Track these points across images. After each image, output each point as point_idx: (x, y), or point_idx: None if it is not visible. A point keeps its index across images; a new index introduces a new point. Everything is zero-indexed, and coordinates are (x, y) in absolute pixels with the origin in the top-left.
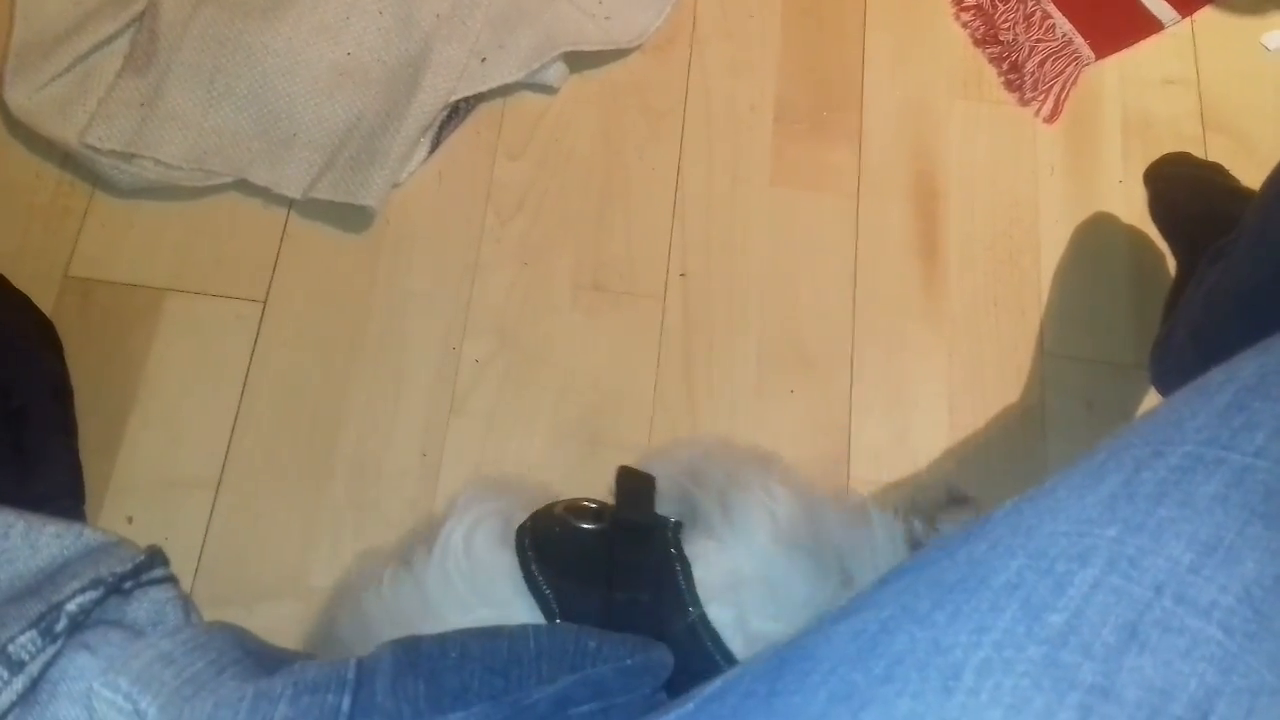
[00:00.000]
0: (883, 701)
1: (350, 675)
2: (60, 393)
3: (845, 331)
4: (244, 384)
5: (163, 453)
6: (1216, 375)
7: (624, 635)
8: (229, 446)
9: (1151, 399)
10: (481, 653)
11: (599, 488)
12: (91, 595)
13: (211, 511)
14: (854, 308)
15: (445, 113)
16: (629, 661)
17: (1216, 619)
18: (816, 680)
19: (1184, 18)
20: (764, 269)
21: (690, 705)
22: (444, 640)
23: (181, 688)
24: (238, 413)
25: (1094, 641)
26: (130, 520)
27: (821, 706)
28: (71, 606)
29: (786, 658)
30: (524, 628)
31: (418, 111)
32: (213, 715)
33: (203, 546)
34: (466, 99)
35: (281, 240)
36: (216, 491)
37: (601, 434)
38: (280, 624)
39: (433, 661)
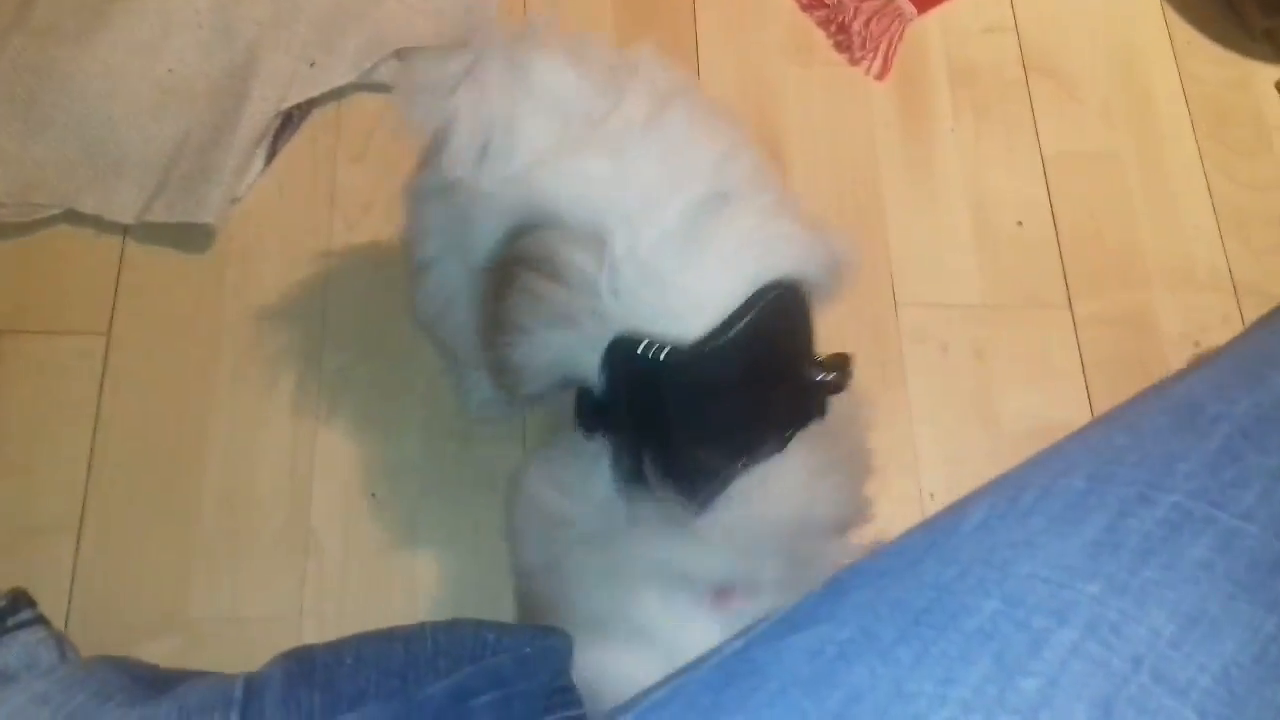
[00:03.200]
0: None
1: (238, 694)
2: None
3: None
4: (95, 421)
5: (16, 501)
6: (1209, 402)
7: (523, 625)
8: (86, 488)
9: (1003, 335)
10: (376, 656)
11: (474, 484)
12: None
13: (76, 555)
14: None
15: (278, 121)
16: (527, 650)
17: (1193, 700)
18: (763, 699)
19: None
20: None
21: (630, 716)
22: (338, 648)
23: None
24: (92, 451)
25: (1066, 719)
26: None
27: None
28: None
29: (734, 670)
30: (421, 627)
31: (249, 122)
32: None
33: (70, 592)
34: (299, 105)
35: (120, 269)
36: (79, 535)
37: (474, 430)
38: (164, 658)
39: (327, 670)
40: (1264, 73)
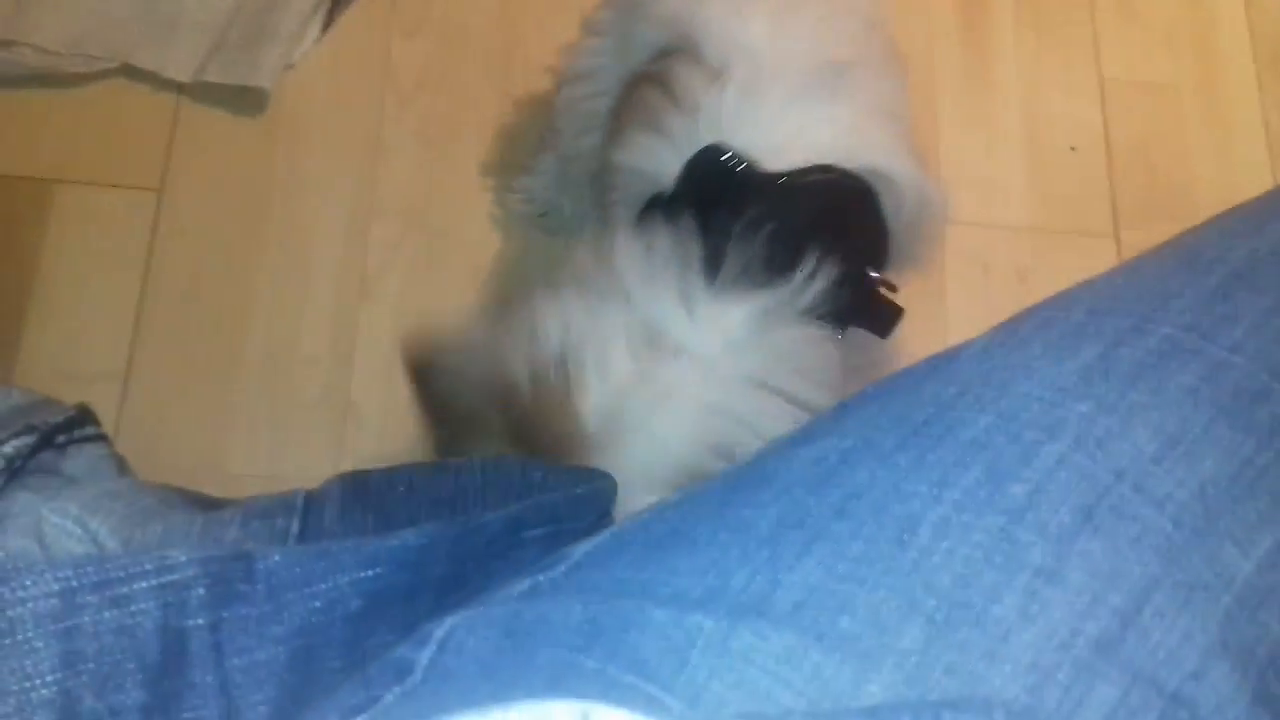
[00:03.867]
0: (834, 538)
1: (299, 503)
2: None
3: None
4: (144, 275)
5: (64, 348)
6: (1208, 248)
7: (570, 467)
8: (133, 339)
9: (1046, 259)
10: (427, 485)
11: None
12: (26, 440)
13: (121, 405)
14: None
15: None
16: (578, 490)
17: (1169, 512)
18: (768, 498)
19: None
20: None
21: (647, 514)
22: (391, 474)
23: (132, 515)
24: (140, 304)
25: (1050, 521)
26: None
27: (770, 527)
28: (7, 449)
29: (744, 474)
30: (470, 461)
31: None
32: (164, 538)
33: (114, 441)
34: None
35: (174, 126)
36: (125, 384)
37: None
38: None
39: (380, 495)
40: None
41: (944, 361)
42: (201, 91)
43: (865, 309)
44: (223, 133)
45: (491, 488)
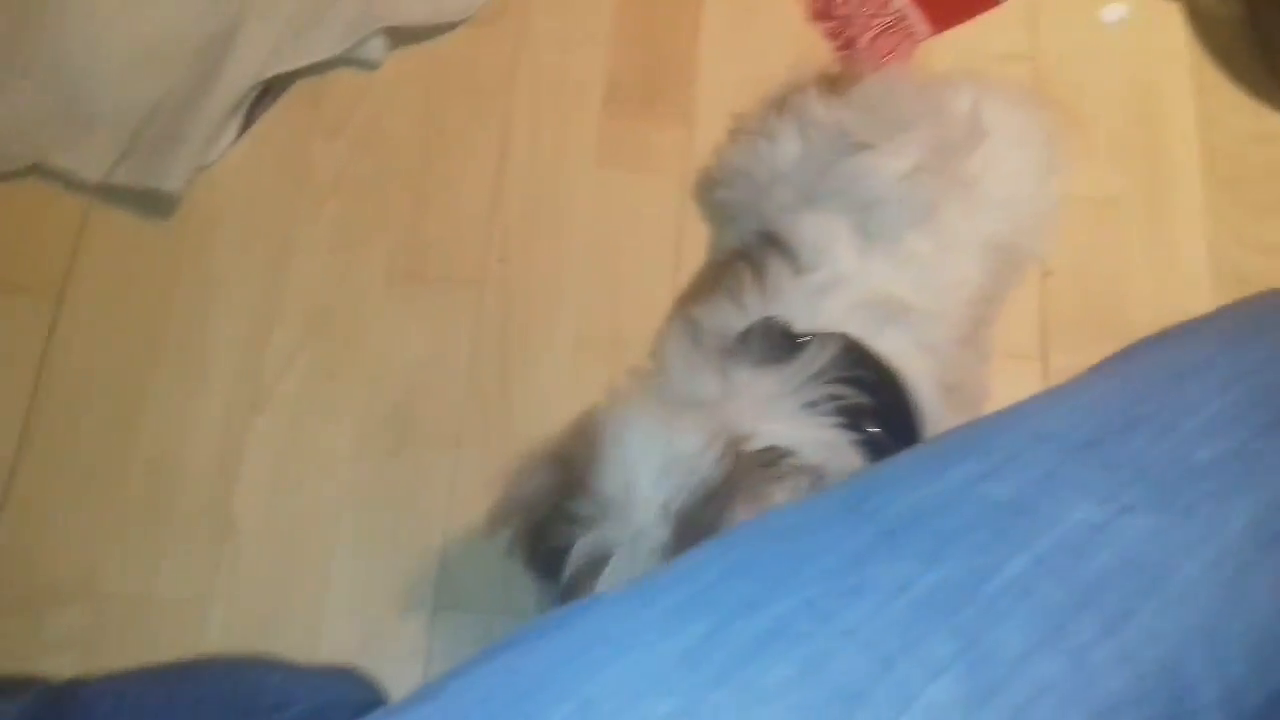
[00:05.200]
0: None
1: None
2: None
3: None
4: (36, 381)
5: None
6: (872, 496)
7: (317, 669)
8: (19, 445)
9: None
10: (140, 697)
11: (405, 486)
12: None
13: (1, 509)
14: (676, 291)
15: (257, 91)
16: (324, 697)
17: None
18: None
19: None
20: (586, 255)
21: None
22: (100, 688)
23: None
24: (29, 409)
25: None
26: None
27: None
28: None
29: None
30: (197, 670)
31: (224, 91)
32: None
33: None
34: (280, 76)
35: (83, 227)
36: (5, 492)
37: (411, 428)
38: (69, 631)
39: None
40: None
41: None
42: (113, 193)
43: None
44: (131, 234)
45: (216, 704)
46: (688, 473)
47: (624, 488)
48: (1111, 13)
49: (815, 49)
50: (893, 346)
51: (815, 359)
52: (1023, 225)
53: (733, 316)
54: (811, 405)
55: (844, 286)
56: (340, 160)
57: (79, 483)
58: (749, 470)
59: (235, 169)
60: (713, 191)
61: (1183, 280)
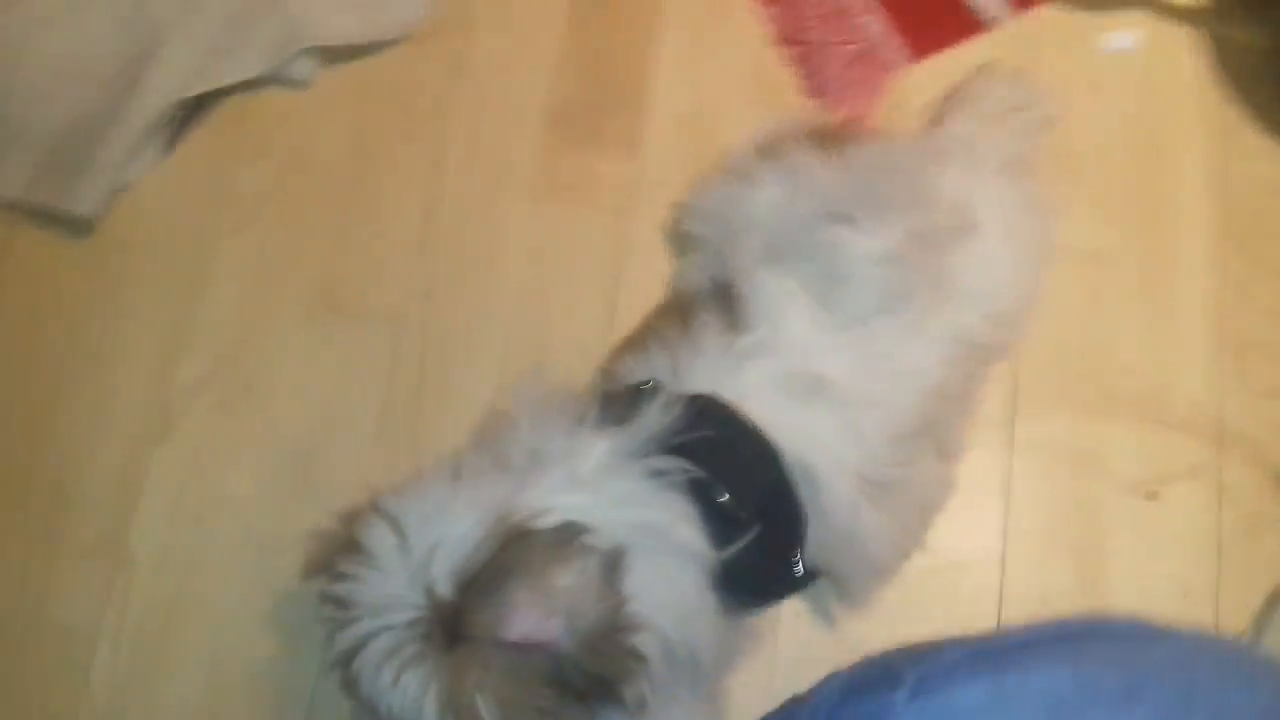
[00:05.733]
0: None
1: None
2: None
3: (600, 363)
4: None
5: None
6: None
7: None
8: None
9: None
10: None
11: (306, 528)
12: None
13: None
14: (611, 336)
15: (181, 111)
16: None
17: None
18: None
19: (1015, 15)
20: (516, 294)
21: None
22: None
23: None
24: None
25: None
26: None
27: None
28: None
29: None
30: None
31: (140, 112)
32: None
33: None
34: (204, 95)
35: (6, 247)
36: None
37: (314, 469)
38: None
39: None
40: None
41: None
42: (36, 213)
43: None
44: (48, 257)
45: None
46: (455, 556)
47: (384, 576)
48: (1114, 41)
49: (778, 78)
50: (800, 424)
51: (655, 421)
52: (1001, 319)
53: (637, 371)
54: (647, 473)
55: (771, 354)
56: (264, 184)
57: None
58: (528, 550)
59: (157, 190)
60: (682, 223)
61: (1175, 347)
